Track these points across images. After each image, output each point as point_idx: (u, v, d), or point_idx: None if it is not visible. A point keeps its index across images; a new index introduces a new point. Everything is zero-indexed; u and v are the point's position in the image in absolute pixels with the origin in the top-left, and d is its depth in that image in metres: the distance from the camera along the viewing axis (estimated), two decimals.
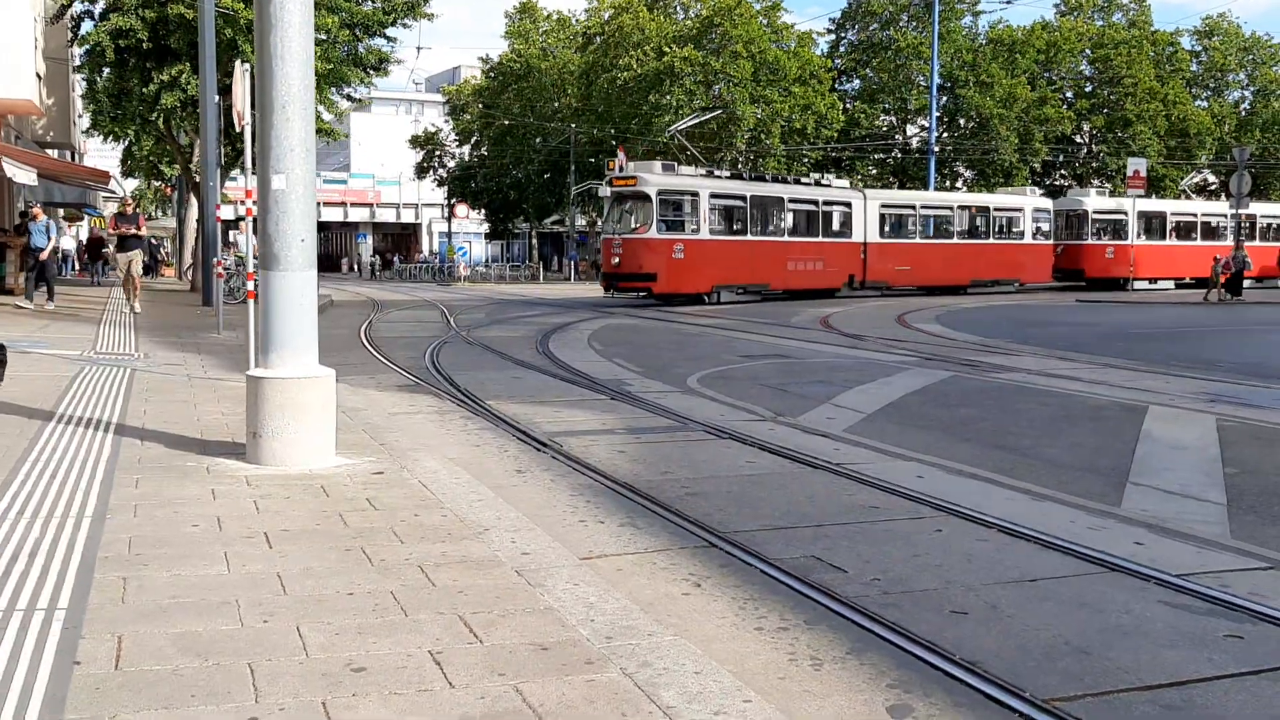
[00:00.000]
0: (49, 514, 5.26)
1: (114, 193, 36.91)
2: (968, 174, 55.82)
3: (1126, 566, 5.08)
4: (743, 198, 29.74)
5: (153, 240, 46.47)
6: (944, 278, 34.74)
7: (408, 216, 77.26)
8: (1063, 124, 53.80)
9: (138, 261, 19.38)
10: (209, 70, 19.49)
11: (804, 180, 33.85)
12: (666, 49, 45.90)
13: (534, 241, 67.62)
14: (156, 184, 52.81)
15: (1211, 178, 59.72)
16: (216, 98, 18.74)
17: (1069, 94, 57.74)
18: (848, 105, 52.06)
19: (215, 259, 17.83)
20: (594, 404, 10.31)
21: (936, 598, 4.67)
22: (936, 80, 48.11)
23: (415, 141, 62.93)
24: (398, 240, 79.37)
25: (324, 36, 24.33)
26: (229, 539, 4.96)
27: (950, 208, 36.83)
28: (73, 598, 4.07)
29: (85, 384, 9.96)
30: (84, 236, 50.67)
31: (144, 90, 23.94)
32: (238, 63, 11.07)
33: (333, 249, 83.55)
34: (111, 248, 25.76)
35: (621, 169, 30.38)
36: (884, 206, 34.27)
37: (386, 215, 77.16)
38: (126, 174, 47.92)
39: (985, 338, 17.93)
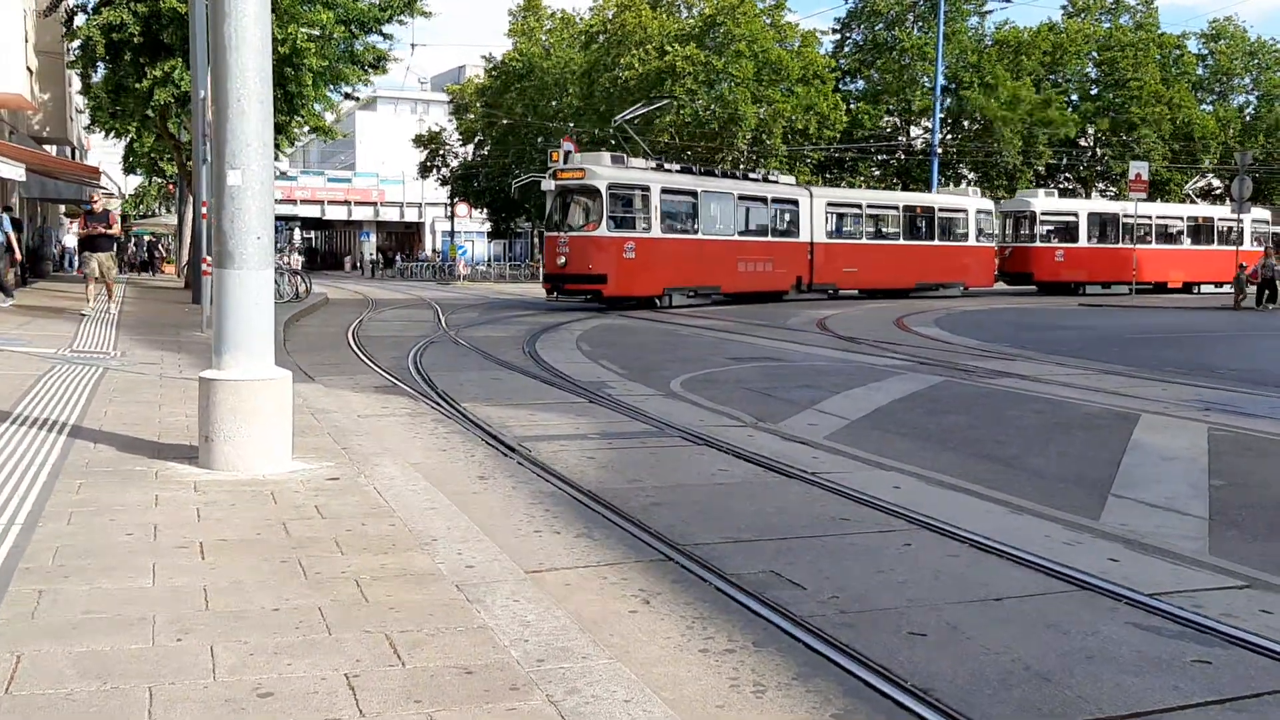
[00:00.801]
0: None
1: (106, 189, 36.78)
2: (971, 176, 55.51)
3: (1097, 585, 4.86)
4: (693, 193, 27.54)
5: (150, 238, 46.35)
6: (891, 280, 33.33)
7: (411, 215, 77.19)
8: (1067, 127, 53.47)
9: (111, 263, 18.51)
10: (199, 65, 19.25)
11: (752, 176, 31.75)
12: (669, 48, 45.65)
13: (536, 241, 67.46)
14: (158, 181, 52.70)
15: (1216, 182, 59.32)
16: (204, 94, 18.53)
17: (1074, 96, 57.41)
18: (851, 106, 51.77)
19: (203, 256, 17.62)
20: (571, 407, 10.10)
21: (895, 617, 4.45)
22: (941, 81, 47.82)
23: (419, 141, 62.79)
24: (401, 239, 79.31)
25: (319, 33, 24.14)
26: (161, 549, 4.75)
27: (896, 207, 35.02)
28: None
29: (51, 383, 9.77)
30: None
31: (138, 86, 23.74)
32: None
33: (336, 247, 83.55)
34: (75, 246, 24.76)
35: (567, 160, 27.79)
36: (830, 205, 32.68)
37: (390, 214, 77.08)
38: (128, 170, 47.81)
39: (984, 342, 17.69)
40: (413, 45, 57.56)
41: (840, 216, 32.96)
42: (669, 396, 10.80)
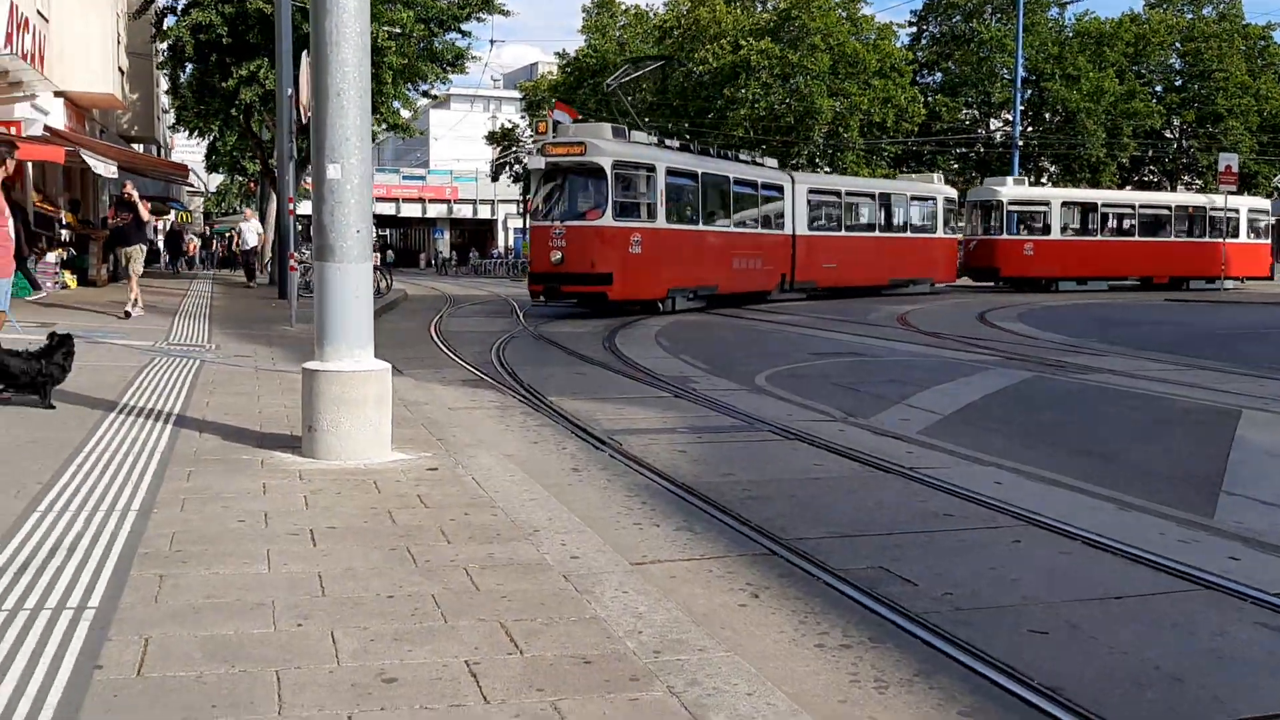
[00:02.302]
0: (94, 508, 5.17)
1: (194, 187, 37.65)
2: (1053, 169, 54.42)
3: (1221, 584, 4.70)
4: (694, 175, 23.14)
5: (233, 233, 47.32)
6: (866, 276, 29.85)
7: (484, 212, 77.83)
8: (1152, 118, 52.15)
9: (138, 258, 16.64)
10: (285, 64, 19.65)
11: (742, 157, 27.30)
12: (743, 42, 45.44)
13: None
14: (240, 179, 53.84)
15: None
16: (291, 91, 18.86)
17: (1158, 88, 55.96)
18: (929, 99, 51.05)
19: (289, 252, 17.95)
20: (657, 401, 10.07)
21: (1013, 615, 4.34)
22: (1021, 74, 46.90)
23: (492, 138, 63.28)
24: (474, 236, 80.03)
25: (399, 31, 24.45)
26: (273, 536, 4.82)
27: (871, 195, 31.17)
28: (105, 597, 3.94)
29: (152, 375, 10.00)
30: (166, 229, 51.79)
31: (224, 85, 24.29)
32: (304, 54, 11.01)
33: (410, 244, 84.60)
34: (96, 239, 22.27)
35: (555, 131, 23.04)
36: (812, 193, 28.62)
37: (464, 211, 77.82)
38: (211, 169, 48.92)
39: (1071, 337, 17.31)
40: (491, 42, 57.96)
41: (820, 206, 29.22)
42: (755, 391, 10.72)
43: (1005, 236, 34.35)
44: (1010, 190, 34.96)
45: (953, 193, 34.32)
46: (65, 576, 4.15)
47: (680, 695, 3.25)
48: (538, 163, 21.43)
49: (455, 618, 3.86)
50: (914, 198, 32.11)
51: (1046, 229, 34.89)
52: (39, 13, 19.39)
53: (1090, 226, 35.87)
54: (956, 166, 53.67)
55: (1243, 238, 38.11)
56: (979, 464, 7.28)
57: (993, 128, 55.06)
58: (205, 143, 39.83)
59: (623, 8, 58.51)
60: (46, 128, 18.89)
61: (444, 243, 74.83)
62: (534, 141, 22.79)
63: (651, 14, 55.56)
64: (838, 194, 30.09)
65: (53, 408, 7.74)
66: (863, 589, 4.55)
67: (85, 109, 23.32)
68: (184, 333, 14.58)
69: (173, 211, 51.07)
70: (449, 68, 27.92)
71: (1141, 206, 37.10)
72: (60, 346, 7.94)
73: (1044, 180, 53.16)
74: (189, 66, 25.98)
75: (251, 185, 50.25)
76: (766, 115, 45.63)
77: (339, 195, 6.53)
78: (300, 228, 21.91)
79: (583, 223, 20.70)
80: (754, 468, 7.12)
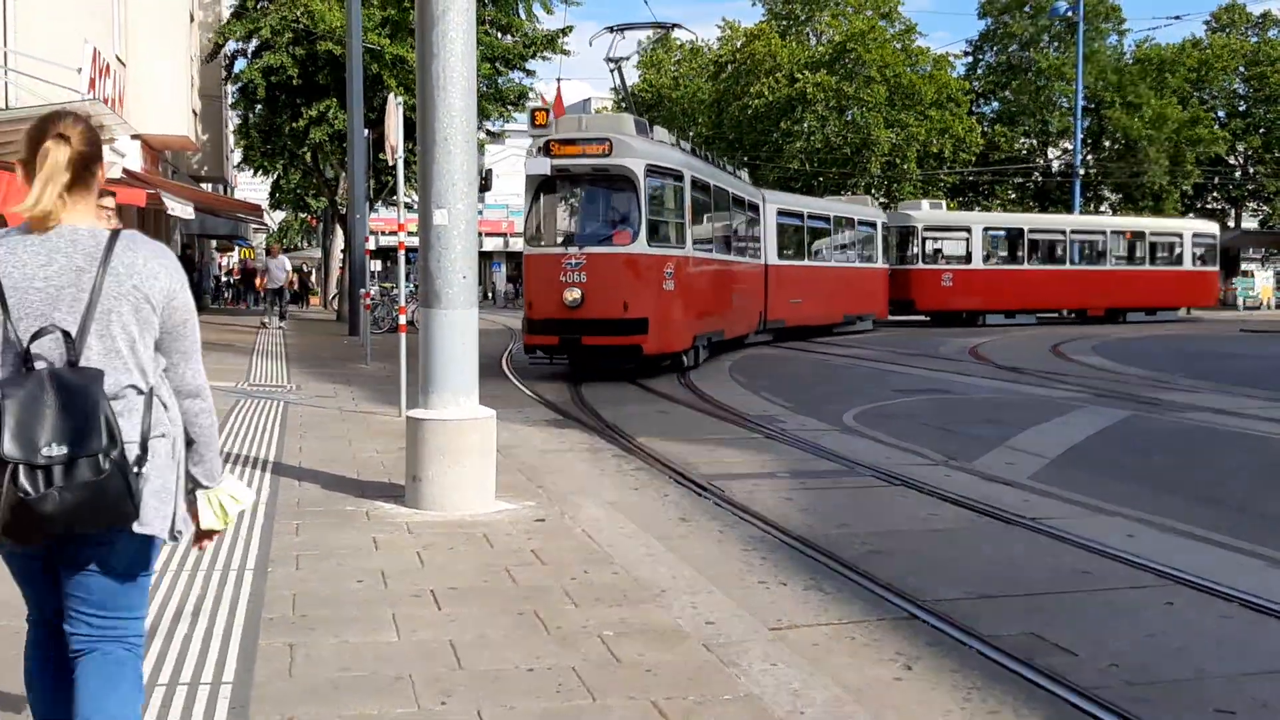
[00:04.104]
0: (210, 565, 5.04)
1: (264, 225, 38.13)
2: (1114, 198, 53.55)
3: None
4: (707, 189, 17.75)
5: (304, 268, 47.90)
6: (825, 313, 25.33)
7: None
8: (1216, 145, 51.18)
9: None
10: (356, 105, 19.80)
11: (727, 167, 22.22)
12: (799, 75, 45.32)
13: None
14: (302, 215, 54.55)
15: None
16: (366, 131, 19.00)
17: (1221, 113, 54.96)
18: (986, 128, 50.52)
19: (362, 290, 17.99)
20: (748, 443, 9.83)
21: (1191, 691, 4.05)
22: (1081, 102, 46.26)
23: None
24: None
25: None
26: (396, 598, 4.65)
27: (827, 219, 26.38)
28: (238, 670, 3.79)
29: (241, 417, 9.95)
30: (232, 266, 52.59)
31: (293, 125, 24.56)
32: (390, 96, 11.04)
33: None
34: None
35: (552, 124, 15.77)
36: (781, 215, 23.35)
37: (520, 245, 78.23)
38: (274, 206, 49.63)
39: (1154, 371, 16.81)
40: (559, 80, 58.07)
41: (786, 231, 23.81)
42: (846, 432, 10.45)
43: (921, 266, 30.26)
44: (926, 214, 31.29)
45: (884, 216, 30.02)
46: (194, 646, 4.01)
47: None
48: (540, 166, 14.95)
49: (603, 695, 3.66)
50: (860, 223, 27.86)
51: (968, 257, 31.19)
52: (118, 58, 19.73)
53: (1017, 254, 32.16)
54: (1014, 196, 53.01)
55: (1187, 264, 34.65)
56: (1103, 514, 6.94)
57: (1051, 157, 54.36)
58: (269, 180, 40.42)
59: (678, 43, 58.78)
60: (125, 170, 19.15)
61: (501, 276, 75.32)
62: (533, 137, 15.79)
63: (706, 49, 55.71)
64: (801, 217, 24.63)
65: None
66: (1021, 659, 4.27)
67: (159, 150, 23.67)
68: (263, 373, 14.60)
69: (236, 248, 51.92)
70: (511, 106, 28.05)
71: (1074, 232, 33.64)
72: None
73: (1103, 210, 52.32)
74: (258, 107, 26.33)
75: (313, 220, 50.93)
76: (823, 147, 45.39)
77: (445, 241, 6.42)
78: (377, 266, 21.96)
79: (609, 249, 14.77)
80: (867, 518, 6.85)
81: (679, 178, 16.07)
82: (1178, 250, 34.59)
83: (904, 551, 6.03)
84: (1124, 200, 52.47)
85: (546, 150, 15.02)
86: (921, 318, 31.12)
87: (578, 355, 14.96)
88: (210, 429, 2.74)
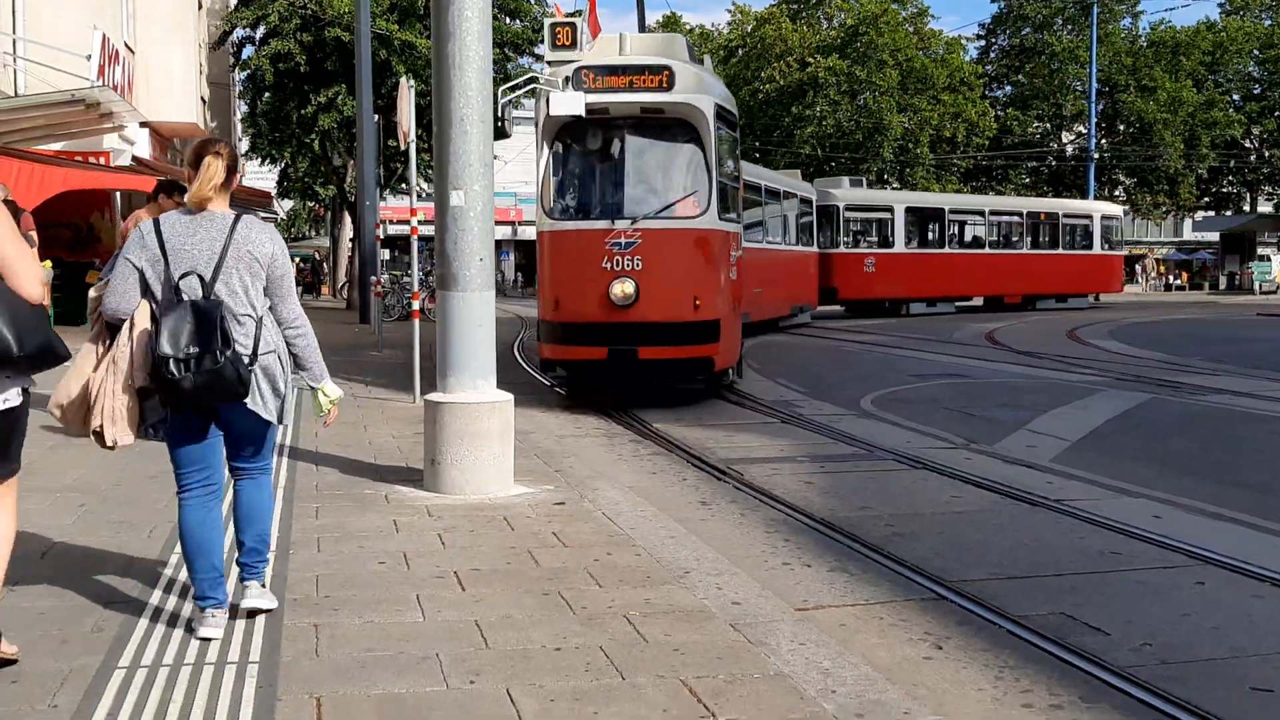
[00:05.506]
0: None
1: (272, 213, 38.09)
2: (1128, 182, 53.22)
3: None
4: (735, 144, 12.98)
5: (316, 256, 47.86)
6: (777, 302, 21.12)
7: None
8: (1231, 128, 50.80)
9: None
10: (365, 91, 19.73)
11: None
12: (810, 59, 45.13)
13: None
14: (310, 204, 54.51)
15: None
16: (375, 117, 18.94)
17: (1236, 96, 54.53)
18: (999, 112, 50.22)
19: (373, 277, 17.96)
20: (765, 428, 9.77)
21: (1228, 670, 3.99)
22: (1095, 85, 45.95)
23: None
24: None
25: None
26: (418, 579, 4.61)
27: (777, 194, 22.13)
28: (264, 649, 3.75)
29: None
30: None
31: (301, 112, 24.52)
32: (402, 79, 10.93)
33: None
34: None
35: (571, 38, 10.86)
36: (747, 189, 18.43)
37: (528, 233, 78.11)
38: (282, 194, 49.57)
39: (1172, 355, 16.68)
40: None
41: (748, 208, 17.70)
42: (863, 416, 10.38)
43: (842, 250, 27.29)
44: (847, 192, 28.13)
45: (811, 192, 26.29)
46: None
47: None
48: (569, 104, 10.36)
49: (632, 674, 3.61)
50: (804, 199, 24.54)
51: (890, 240, 28.58)
52: (126, 45, 19.70)
53: (936, 237, 29.80)
54: (1028, 181, 52.75)
55: (1096, 248, 32.81)
56: (1127, 495, 6.88)
57: (1064, 141, 54.04)
58: (277, 169, 40.41)
59: (687, 28, 58.51)
60: (134, 158, 19.14)
61: (509, 265, 75.29)
62: (550, 63, 10.88)
63: (716, 33, 55.47)
64: (758, 190, 20.00)
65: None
66: (1053, 639, 4.22)
67: (168, 138, 23.65)
68: None
69: None
70: (520, 90, 27.96)
71: (992, 213, 31.40)
72: None
73: (1118, 194, 52.00)
74: (266, 94, 26.29)
75: (320, 209, 50.88)
76: (835, 132, 45.20)
77: (462, 223, 6.37)
78: (385, 255, 21.91)
79: (673, 223, 10.73)
80: (889, 500, 6.79)
81: (735, 125, 12.38)
82: (1090, 233, 32.86)
83: (928, 533, 5.97)
84: (1138, 184, 52.17)
85: (576, 81, 10.50)
86: (837, 308, 28.44)
87: (629, 373, 10.75)
88: (308, 348, 4.07)
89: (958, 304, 30.36)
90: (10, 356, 3.25)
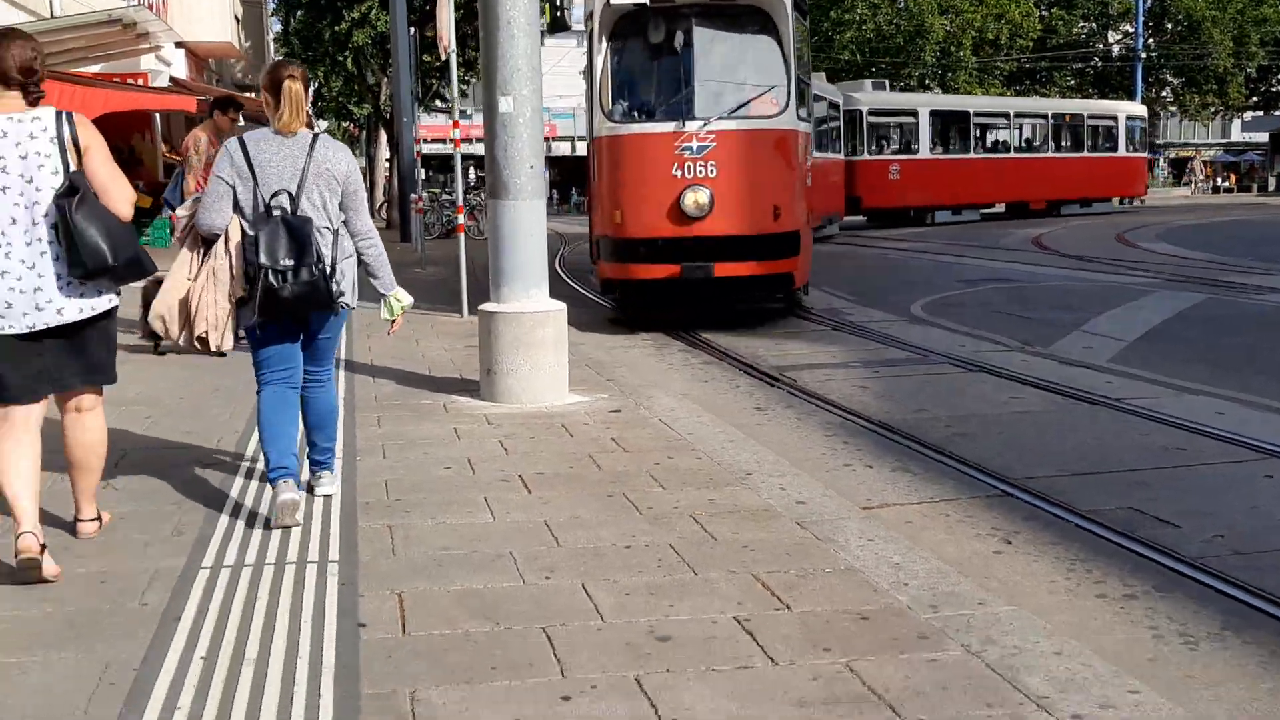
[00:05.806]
0: (300, 451, 5.07)
1: None
2: (1175, 82, 51.68)
3: None
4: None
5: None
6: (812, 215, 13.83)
7: (582, 149, 77.29)
8: None
9: None
10: (400, 4, 19.44)
11: None
12: None
13: None
14: (344, 124, 54.21)
15: None
16: (412, 30, 18.69)
17: None
18: (1044, 13, 48.73)
19: (413, 195, 17.90)
20: (816, 335, 9.72)
21: None
22: None
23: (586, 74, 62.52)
24: (572, 173, 79.70)
25: None
26: (484, 483, 4.66)
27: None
28: (342, 549, 3.82)
29: None
30: None
31: (335, 29, 24.25)
32: None
33: None
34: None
35: None
36: None
37: (562, 149, 77.36)
38: (317, 115, 49.28)
39: (1224, 256, 16.35)
40: None
41: None
42: (914, 322, 10.29)
43: (866, 157, 25.88)
44: (869, 96, 26.54)
45: (838, 97, 24.39)
46: (295, 528, 4.03)
47: (980, 655, 2.97)
48: None
49: (704, 569, 3.64)
50: (830, 105, 22.24)
51: (913, 146, 27.26)
52: None
53: (962, 143, 28.53)
54: (1073, 83, 51.37)
55: (1121, 150, 31.18)
56: (1189, 393, 6.80)
57: (1110, 41, 52.44)
58: (311, 90, 40.18)
59: None
60: (172, 79, 19.08)
61: (545, 181, 74.67)
62: None
63: None
64: None
65: (223, 355, 7.71)
66: (1123, 533, 4.20)
67: (203, 59, 23.56)
68: None
69: None
70: (550, 3, 27.45)
71: (1016, 115, 30.11)
72: None
73: (1165, 95, 50.55)
74: (299, 12, 26.00)
75: (355, 129, 50.63)
76: (874, 37, 44.10)
77: (511, 130, 6.29)
78: (423, 173, 21.78)
79: (750, 123, 9.74)
80: (946, 403, 6.75)
81: (806, 13, 11.34)
82: (1114, 134, 31.32)
83: (989, 434, 5.94)
84: (1186, 84, 50.67)
85: None
86: (859, 219, 26.84)
87: (702, 292, 9.85)
88: (379, 257, 4.41)
89: (981, 212, 29.25)
90: (106, 266, 3.57)
